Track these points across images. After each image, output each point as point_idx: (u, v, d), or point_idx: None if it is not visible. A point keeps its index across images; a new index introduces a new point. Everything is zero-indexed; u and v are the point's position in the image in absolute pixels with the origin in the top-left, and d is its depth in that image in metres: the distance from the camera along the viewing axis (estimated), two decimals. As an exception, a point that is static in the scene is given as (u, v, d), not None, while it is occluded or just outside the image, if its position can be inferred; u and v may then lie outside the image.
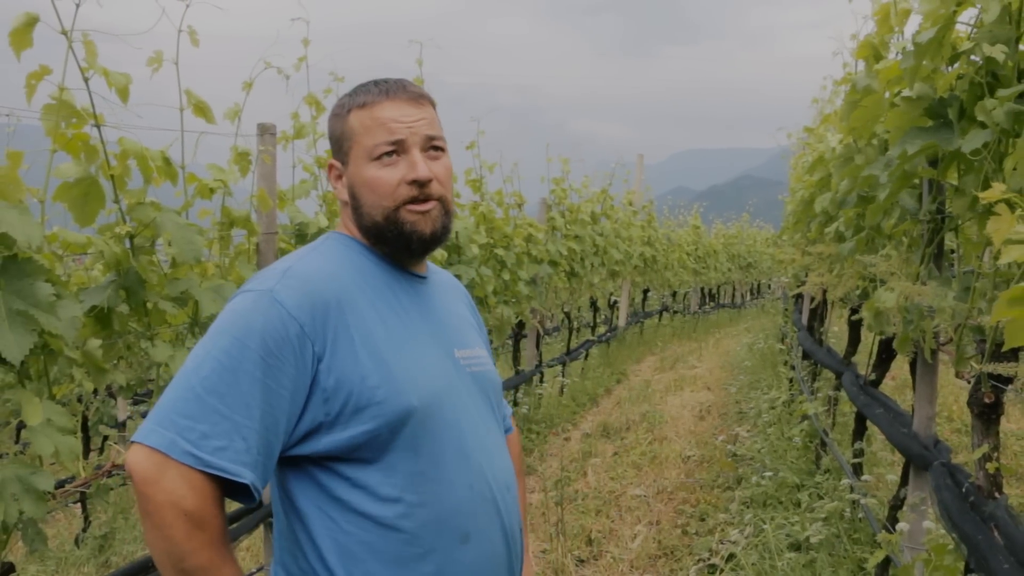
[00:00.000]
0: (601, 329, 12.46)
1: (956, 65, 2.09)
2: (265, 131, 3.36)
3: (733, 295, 23.45)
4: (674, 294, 17.25)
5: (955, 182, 2.61)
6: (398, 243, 1.54)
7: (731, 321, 19.01)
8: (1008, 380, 2.10)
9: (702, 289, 19.58)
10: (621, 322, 13.11)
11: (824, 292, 5.40)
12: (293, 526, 1.48)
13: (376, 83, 1.57)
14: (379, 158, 1.51)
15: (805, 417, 5.23)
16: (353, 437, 1.42)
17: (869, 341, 6.65)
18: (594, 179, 10.05)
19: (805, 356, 6.74)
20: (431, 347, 1.55)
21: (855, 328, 4.52)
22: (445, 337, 1.60)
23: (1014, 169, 1.74)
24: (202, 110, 2.89)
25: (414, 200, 1.51)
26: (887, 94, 3.08)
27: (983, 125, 1.92)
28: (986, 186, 2.03)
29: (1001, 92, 1.83)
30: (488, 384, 1.66)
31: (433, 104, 1.60)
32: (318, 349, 1.41)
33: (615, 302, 13.07)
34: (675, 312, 17.48)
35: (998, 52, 1.87)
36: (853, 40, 4.30)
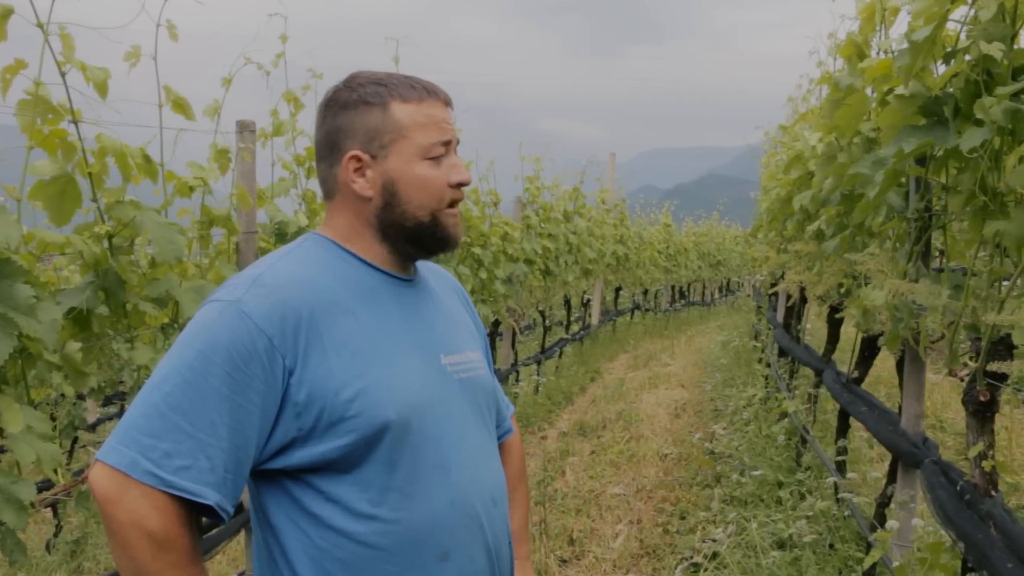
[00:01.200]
0: (575, 327, 12.45)
1: (952, 63, 2.08)
2: (244, 128, 3.30)
3: (703, 293, 23.59)
4: (645, 292, 17.31)
5: (942, 180, 2.62)
6: (435, 245, 1.52)
7: (701, 319, 19.10)
8: (1003, 377, 2.11)
9: (673, 287, 19.67)
10: (594, 320, 13.12)
11: (802, 290, 5.42)
12: (267, 540, 1.44)
13: (407, 78, 1.51)
14: (433, 158, 1.47)
15: (784, 415, 5.24)
16: (327, 451, 1.36)
17: (847, 338, 6.71)
18: (565, 178, 10.07)
19: (782, 353, 6.77)
20: (414, 355, 1.47)
21: (835, 326, 4.54)
22: (432, 343, 1.53)
23: (1016, 165, 1.73)
24: (181, 106, 2.83)
25: (453, 203, 1.50)
26: (871, 92, 3.10)
27: (979, 123, 1.92)
28: (983, 184, 2.03)
29: (1000, 90, 1.82)
30: (479, 390, 1.59)
31: None
32: (289, 362, 1.34)
33: (588, 300, 13.07)
34: (647, 310, 17.54)
35: (995, 50, 1.87)
36: (830, 39, 4.34)
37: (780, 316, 7.15)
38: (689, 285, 21.29)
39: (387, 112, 1.46)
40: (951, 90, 2.10)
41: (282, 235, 3.61)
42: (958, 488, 2.18)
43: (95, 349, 2.53)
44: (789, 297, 6.28)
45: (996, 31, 1.94)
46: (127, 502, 1.25)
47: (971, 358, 2.17)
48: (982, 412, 2.13)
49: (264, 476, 1.41)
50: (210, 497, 1.28)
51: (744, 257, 23.13)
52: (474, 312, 1.76)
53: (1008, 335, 2.05)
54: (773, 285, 7.35)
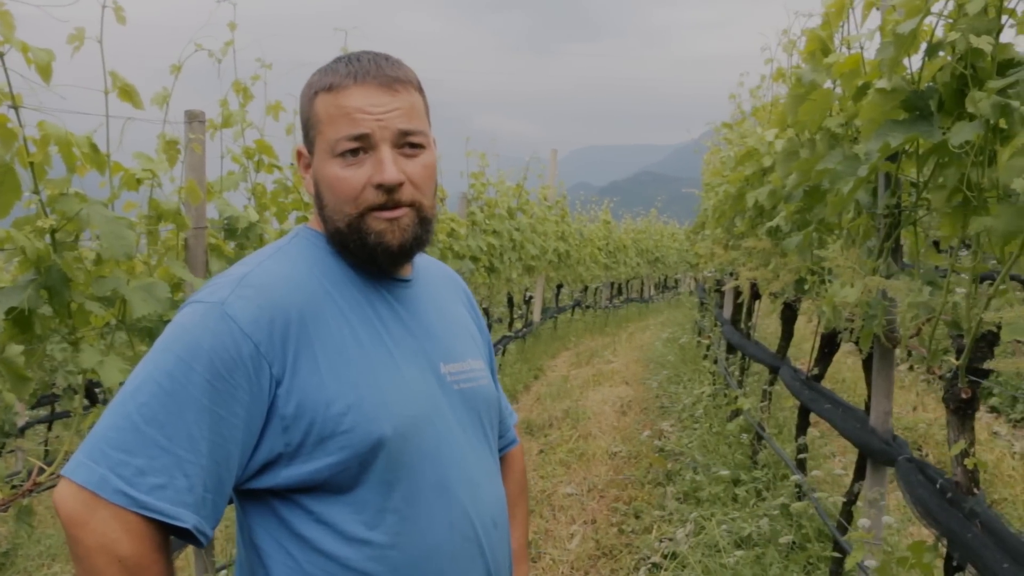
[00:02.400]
0: (518, 324, 12.41)
1: (937, 56, 2.06)
2: (193, 118, 3.15)
3: (642, 289, 23.77)
4: (585, 289, 17.35)
5: (912, 176, 2.61)
6: (361, 254, 1.34)
7: (640, 316, 19.23)
8: (985, 374, 2.09)
9: (612, 284, 19.77)
10: (536, 318, 13.08)
11: (753, 286, 5.44)
12: (251, 561, 1.32)
13: (348, 61, 1.34)
14: (342, 155, 1.30)
15: (738, 412, 5.25)
16: (317, 471, 1.25)
17: (799, 335, 6.76)
18: (508, 175, 10.01)
19: (730, 350, 6.80)
20: (411, 365, 1.35)
21: (789, 322, 4.55)
22: (430, 350, 1.40)
23: (1009, 160, 1.71)
24: (128, 94, 2.67)
25: (382, 207, 1.31)
26: (831, 86, 3.08)
27: (969, 117, 1.90)
28: (966, 180, 2.01)
29: (992, 83, 1.80)
30: (480, 402, 1.47)
31: (417, 87, 1.37)
32: (276, 371, 1.23)
33: (530, 298, 13.04)
34: (587, 307, 17.58)
35: (985, 43, 1.84)
36: (784, 35, 4.34)
37: (728, 313, 7.18)
38: (628, 282, 21.43)
39: (313, 103, 1.35)
40: (933, 84, 2.08)
41: (232, 231, 3.45)
42: (938, 486, 2.16)
43: (38, 352, 2.36)
44: (739, 294, 6.30)
45: (982, 25, 1.92)
46: (95, 524, 1.13)
47: (949, 354, 2.15)
48: (963, 410, 2.11)
49: (249, 494, 1.30)
50: (187, 520, 1.17)
51: (682, 254, 23.38)
52: (479, 317, 1.64)
53: (990, 332, 2.03)
54: (719, 282, 7.39)
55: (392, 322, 1.37)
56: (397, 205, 1.32)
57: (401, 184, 1.31)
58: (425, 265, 1.54)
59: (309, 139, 1.37)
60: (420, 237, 1.36)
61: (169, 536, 1.20)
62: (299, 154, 1.41)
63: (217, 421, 1.19)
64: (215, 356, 1.20)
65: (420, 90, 1.39)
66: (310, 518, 1.27)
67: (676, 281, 27.99)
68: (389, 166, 1.29)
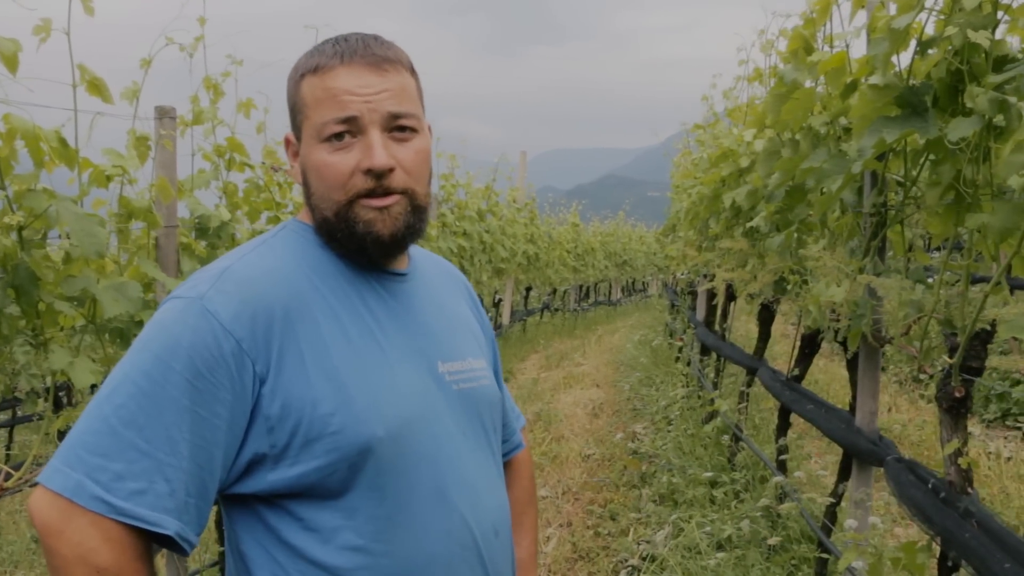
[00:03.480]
0: (487, 327, 12.35)
1: (930, 52, 2.04)
2: (164, 114, 3.06)
3: (609, 292, 23.82)
4: (554, 291, 17.34)
5: (898, 175, 2.60)
6: (350, 244, 1.26)
7: (608, 318, 19.26)
8: (978, 372, 2.08)
9: (580, 287, 19.78)
10: (505, 320, 13.04)
11: (729, 287, 5.44)
12: (239, 570, 1.25)
13: (336, 41, 1.27)
14: (329, 139, 1.22)
15: (715, 414, 5.23)
16: (304, 475, 1.17)
17: (774, 338, 6.77)
18: (476, 176, 9.97)
19: (704, 352, 6.79)
20: (405, 363, 1.28)
21: (766, 323, 4.54)
22: (427, 348, 1.33)
23: (1009, 155, 1.69)
24: (98, 88, 2.58)
25: (371, 193, 1.23)
26: (814, 85, 3.07)
27: (965, 113, 1.88)
28: (961, 177, 1.99)
29: (990, 78, 1.78)
30: (482, 403, 1.39)
31: (408, 68, 1.29)
32: (260, 369, 1.16)
33: (499, 300, 13.00)
34: (556, 310, 17.57)
35: (982, 39, 1.82)
36: (761, 36, 4.33)
37: (701, 315, 7.18)
38: (595, 285, 21.45)
39: (299, 87, 1.28)
40: (928, 81, 2.06)
41: (203, 230, 3.36)
42: (930, 486, 2.14)
43: (5, 354, 2.26)
44: (713, 296, 6.29)
45: (978, 21, 1.90)
46: (72, 533, 1.06)
47: (942, 353, 2.13)
48: (956, 408, 2.09)
49: (234, 499, 1.22)
50: (169, 526, 1.10)
51: (650, 257, 23.46)
52: (483, 316, 1.56)
53: (984, 330, 2.02)
54: (692, 284, 7.39)
55: (385, 318, 1.30)
56: (388, 192, 1.24)
57: (392, 170, 1.23)
58: (423, 259, 1.47)
59: (296, 124, 1.30)
60: (413, 226, 1.28)
61: (151, 545, 1.12)
62: (287, 141, 1.34)
63: (198, 422, 1.12)
64: (195, 354, 1.13)
65: (412, 72, 1.31)
66: (298, 525, 1.20)
67: (644, 284, 28.09)
68: (378, 150, 1.22)
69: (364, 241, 1.25)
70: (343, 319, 1.24)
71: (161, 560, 3.29)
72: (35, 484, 1.13)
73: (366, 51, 1.25)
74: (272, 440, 1.17)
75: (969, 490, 2.05)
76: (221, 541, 3.10)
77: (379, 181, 1.23)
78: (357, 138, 1.23)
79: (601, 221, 20.79)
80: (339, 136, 1.22)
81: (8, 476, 2.26)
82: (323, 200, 1.26)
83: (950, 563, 2.01)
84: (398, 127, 1.25)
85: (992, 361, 1.90)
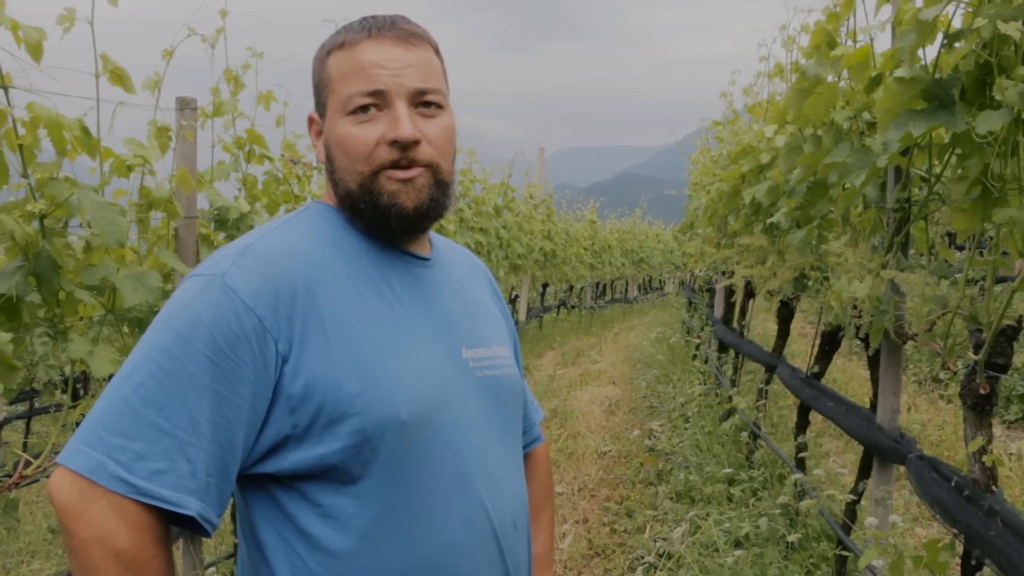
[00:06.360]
0: (503, 324, 12.33)
1: (958, 45, 2.01)
2: (185, 105, 3.06)
3: (626, 290, 23.75)
4: (570, 288, 17.31)
5: (922, 171, 2.57)
6: (374, 218, 1.25)
7: (625, 316, 19.21)
8: (1004, 369, 2.05)
9: (596, 284, 19.74)
10: (521, 317, 13.02)
11: (748, 284, 5.40)
12: (253, 557, 1.23)
13: (363, 19, 1.28)
14: (355, 112, 1.22)
15: (732, 411, 5.20)
16: (326, 455, 1.15)
17: (795, 335, 6.74)
18: (492, 172, 9.96)
19: (722, 349, 6.76)
20: (430, 346, 1.26)
21: (785, 320, 4.51)
22: (451, 333, 1.31)
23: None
24: (120, 78, 2.58)
25: (395, 165, 1.23)
26: (837, 80, 3.04)
27: (994, 106, 1.85)
28: (987, 171, 1.96)
29: (1022, 70, 1.75)
30: (505, 392, 1.36)
31: (434, 48, 1.31)
32: (282, 347, 1.14)
33: (516, 296, 12.98)
34: (572, 307, 17.54)
35: (1013, 30, 1.79)
36: (783, 31, 4.29)
37: (719, 312, 7.14)
38: (612, 282, 21.40)
39: (325, 64, 1.28)
40: (955, 73, 2.03)
41: (222, 221, 3.37)
42: (954, 484, 2.12)
43: (25, 341, 2.27)
44: (732, 293, 6.26)
45: (1007, 12, 1.87)
46: (91, 515, 1.05)
47: (967, 350, 2.11)
48: (981, 406, 2.07)
49: (250, 482, 1.21)
50: (191, 506, 1.08)
51: (667, 255, 23.38)
52: (504, 306, 1.54)
53: (1010, 327, 1.99)
54: (710, 281, 7.35)
55: (409, 300, 1.28)
56: (412, 164, 1.24)
57: (417, 142, 1.23)
58: (445, 247, 1.46)
59: (320, 101, 1.30)
60: (437, 200, 1.27)
61: (170, 530, 1.12)
62: (310, 120, 1.35)
63: (219, 401, 1.11)
64: (216, 331, 1.11)
65: (438, 52, 1.32)
66: (316, 511, 1.18)
67: (661, 282, 27.98)
68: (404, 121, 1.22)
69: (388, 213, 1.24)
70: (367, 299, 1.23)
71: (177, 551, 3.31)
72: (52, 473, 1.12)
73: (394, 27, 1.26)
74: (294, 420, 1.16)
75: (993, 488, 2.03)
76: (236, 532, 3.11)
77: (404, 152, 1.23)
78: (383, 111, 1.23)
79: (618, 219, 20.72)
80: (365, 108, 1.23)
81: (28, 464, 2.27)
82: (347, 173, 1.25)
83: (974, 562, 1.99)
84: (424, 103, 1.25)
85: (1020, 359, 1.86)
